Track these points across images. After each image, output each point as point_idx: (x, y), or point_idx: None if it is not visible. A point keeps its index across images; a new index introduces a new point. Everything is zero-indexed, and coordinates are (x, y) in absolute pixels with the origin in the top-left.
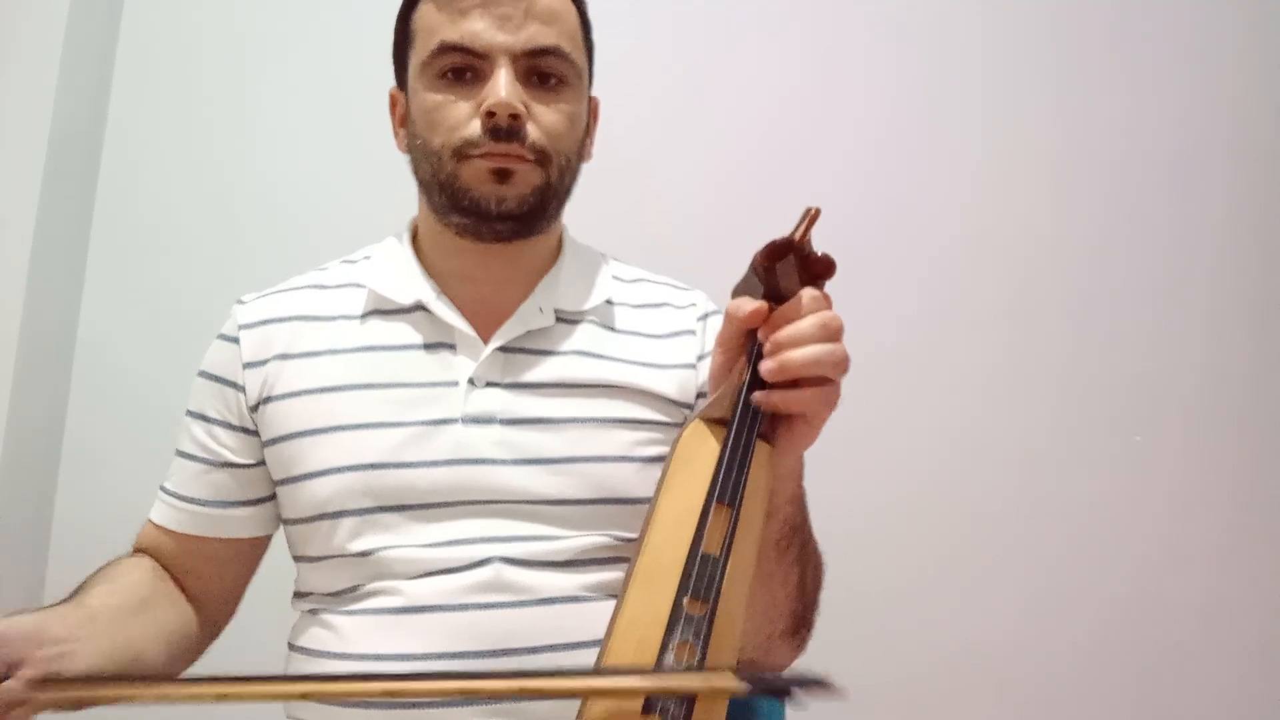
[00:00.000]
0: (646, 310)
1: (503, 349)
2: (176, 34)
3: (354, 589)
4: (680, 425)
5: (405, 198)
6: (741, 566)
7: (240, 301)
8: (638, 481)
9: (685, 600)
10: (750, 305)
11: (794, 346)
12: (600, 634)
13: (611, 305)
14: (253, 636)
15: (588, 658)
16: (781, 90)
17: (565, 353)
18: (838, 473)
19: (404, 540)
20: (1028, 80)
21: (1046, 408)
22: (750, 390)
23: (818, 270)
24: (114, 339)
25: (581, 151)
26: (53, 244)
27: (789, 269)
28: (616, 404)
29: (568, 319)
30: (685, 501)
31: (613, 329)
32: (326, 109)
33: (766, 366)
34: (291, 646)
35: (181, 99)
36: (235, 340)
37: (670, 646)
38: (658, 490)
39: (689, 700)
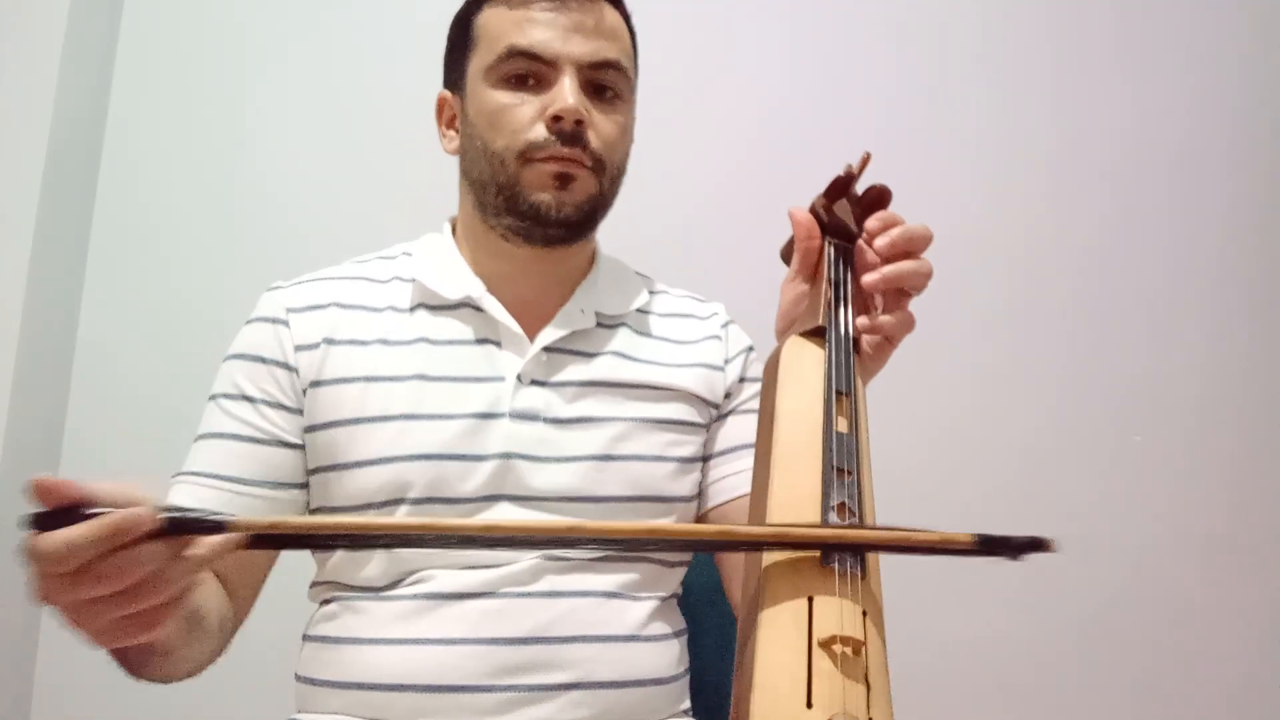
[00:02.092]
0: (673, 319)
1: (547, 349)
2: (176, 34)
3: (390, 578)
4: (705, 423)
5: (403, 197)
6: (866, 445)
7: (277, 287)
8: (673, 481)
9: (834, 467)
10: (804, 212)
11: (907, 244)
12: (634, 630)
13: (644, 313)
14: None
15: (622, 651)
16: (780, 90)
17: (605, 354)
18: None
19: None
20: (1028, 81)
21: (1046, 408)
22: (837, 298)
23: (871, 204)
24: (114, 339)
25: (625, 164)
26: (53, 244)
27: (845, 208)
28: (653, 405)
29: (606, 323)
30: (805, 396)
31: (647, 334)
32: (326, 110)
33: (870, 279)
34: (309, 638)
35: (181, 99)
36: (284, 323)
37: (830, 508)
38: (770, 398)
39: (861, 557)
